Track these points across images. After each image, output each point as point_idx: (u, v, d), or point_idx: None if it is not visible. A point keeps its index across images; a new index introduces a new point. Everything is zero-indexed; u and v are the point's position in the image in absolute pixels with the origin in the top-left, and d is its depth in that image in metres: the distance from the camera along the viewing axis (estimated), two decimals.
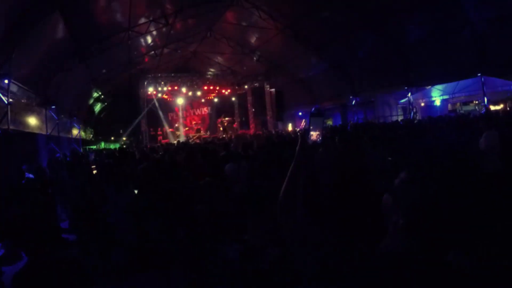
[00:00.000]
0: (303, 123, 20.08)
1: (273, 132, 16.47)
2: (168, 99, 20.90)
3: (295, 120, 21.63)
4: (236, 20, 14.64)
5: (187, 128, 21.21)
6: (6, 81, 7.00)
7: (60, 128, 11.73)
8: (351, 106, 16.71)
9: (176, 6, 11.57)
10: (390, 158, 4.21)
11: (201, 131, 20.98)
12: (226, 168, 4.56)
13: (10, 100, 7.23)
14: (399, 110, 17.52)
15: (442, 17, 10.47)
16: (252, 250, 1.42)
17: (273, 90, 19.56)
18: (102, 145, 19.32)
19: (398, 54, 12.90)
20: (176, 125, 21.12)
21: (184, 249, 2.97)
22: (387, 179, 1.53)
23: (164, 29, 12.75)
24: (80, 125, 15.56)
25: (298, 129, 18.45)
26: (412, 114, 13.77)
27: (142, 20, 11.62)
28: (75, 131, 14.35)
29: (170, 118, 21.55)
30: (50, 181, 5.71)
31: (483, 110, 10.99)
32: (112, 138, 20.41)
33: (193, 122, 22.52)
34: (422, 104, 14.88)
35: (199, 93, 20.44)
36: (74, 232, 4.66)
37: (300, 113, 21.36)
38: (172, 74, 19.15)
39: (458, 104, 15.86)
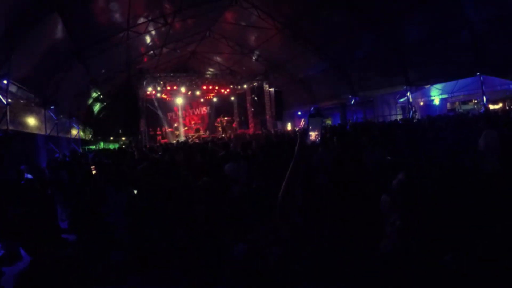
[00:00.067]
0: (302, 122, 20.10)
1: (272, 131, 16.46)
2: (167, 99, 20.86)
3: (294, 119, 21.66)
4: (235, 20, 14.60)
5: (186, 128, 21.18)
6: (5, 82, 7.01)
7: (59, 128, 11.70)
8: (350, 106, 16.74)
9: (175, 6, 11.54)
10: (389, 158, 4.21)
11: (200, 131, 21.00)
12: (225, 167, 4.57)
13: (9, 100, 7.24)
14: (398, 109, 17.51)
15: (441, 17, 10.49)
16: (256, 249, 1.43)
17: (272, 89, 19.56)
18: (101, 145, 19.29)
19: (397, 53, 12.91)
20: (175, 125, 21.09)
21: (183, 249, 2.97)
22: (386, 179, 1.54)
23: (163, 29, 12.73)
24: (79, 125, 15.52)
25: (297, 129, 18.47)
26: (411, 113, 13.80)
27: (141, 20, 11.60)
28: (74, 131, 14.32)
29: (169, 118, 21.56)
30: (50, 182, 5.72)
31: (482, 109, 11.02)
32: (111, 138, 20.36)
33: (192, 122, 22.51)
34: (421, 103, 14.88)
35: (198, 93, 20.41)
36: (74, 232, 4.67)
37: (299, 113, 21.39)
38: (171, 74, 19.07)
39: (457, 103, 15.87)
